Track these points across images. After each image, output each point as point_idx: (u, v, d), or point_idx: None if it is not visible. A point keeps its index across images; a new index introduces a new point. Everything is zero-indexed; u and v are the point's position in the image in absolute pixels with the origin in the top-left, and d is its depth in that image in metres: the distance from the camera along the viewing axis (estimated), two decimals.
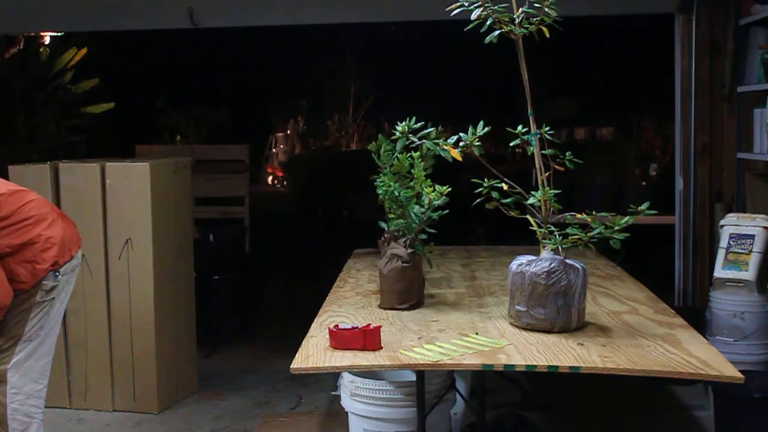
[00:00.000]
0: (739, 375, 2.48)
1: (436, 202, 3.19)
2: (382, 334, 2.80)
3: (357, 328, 2.79)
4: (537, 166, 2.97)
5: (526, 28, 2.90)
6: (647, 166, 8.48)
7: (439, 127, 3.23)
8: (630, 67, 12.19)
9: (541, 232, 2.95)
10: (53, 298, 3.36)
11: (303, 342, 2.89)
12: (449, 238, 4.19)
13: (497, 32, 2.90)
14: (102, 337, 4.78)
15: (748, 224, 4.50)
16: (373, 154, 3.52)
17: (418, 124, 3.21)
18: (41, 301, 3.32)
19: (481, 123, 3.03)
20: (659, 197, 5.79)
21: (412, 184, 3.31)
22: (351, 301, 3.51)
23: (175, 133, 13.68)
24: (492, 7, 2.89)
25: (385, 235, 3.42)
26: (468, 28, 2.90)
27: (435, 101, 14.88)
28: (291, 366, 2.67)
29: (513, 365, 2.64)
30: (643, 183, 7.76)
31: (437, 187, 3.20)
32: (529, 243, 3.41)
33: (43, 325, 3.35)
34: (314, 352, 2.76)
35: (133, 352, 4.78)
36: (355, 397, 3.59)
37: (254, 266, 7.23)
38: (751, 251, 4.42)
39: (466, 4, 2.93)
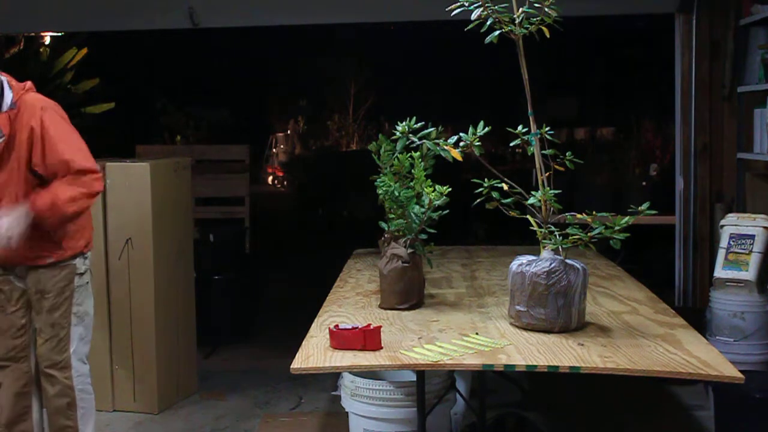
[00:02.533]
0: (739, 375, 2.48)
1: (436, 202, 3.19)
2: (382, 334, 2.80)
3: (357, 328, 2.79)
4: (537, 166, 2.97)
5: (527, 28, 2.90)
6: (647, 166, 8.48)
7: (439, 127, 3.23)
8: (630, 67, 12.21)
9: (541, 232, 2.95)
10: (87, 282, 3.72)
11: (303, 342, 2.88)
12: (449, 238, 4.19)
13: (497, 32, 2.90)
14: (102, 337, 4.78)
15: (748, 224, 4.50)
16: (373, 154, 3.52)
17: (418, 124, 3.21)
18: (79, 286, 3.67)
19: (481, 123, 3.03)
20: (659, 197, 5.80)
21: (412, 184, 3.31)
22: (351, 301, 3.51)
23: (175, 133, 13.69)
24: (492, 7, 2.89)
25: (385, 235, 3.42)
26: (468, 28, 2.90)
27: (435, 101, 14.90)
28: (291, 366, 2.67)
29: (513, 365, 2.64)
30: (643, 183, 7.77)
31: (437, 187, 3.20)
32: (529, 243, 3.41)
33: (87, 310, 3.73)
34: (314, 352, 2.76)
35: (133, 352, 4.79)
36: (355, 397, 3.59)
37: (254, 266, 7.22)
38: (751, 251, 4.42)
39: (466, 4, 2.93)
